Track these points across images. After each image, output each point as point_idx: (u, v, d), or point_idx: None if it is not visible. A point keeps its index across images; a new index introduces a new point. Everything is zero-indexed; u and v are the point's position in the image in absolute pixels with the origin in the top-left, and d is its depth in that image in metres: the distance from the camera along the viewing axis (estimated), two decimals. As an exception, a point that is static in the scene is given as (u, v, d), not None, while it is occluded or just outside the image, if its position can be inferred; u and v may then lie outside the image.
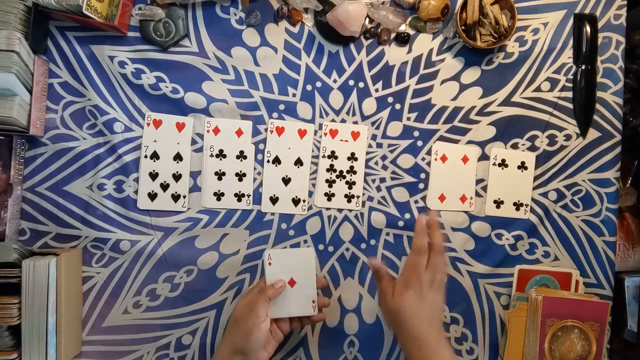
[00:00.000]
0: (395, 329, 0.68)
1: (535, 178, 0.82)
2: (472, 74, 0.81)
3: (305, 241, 0.80)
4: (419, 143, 0.81)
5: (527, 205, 0.81)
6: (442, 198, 0.81)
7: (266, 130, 0.79)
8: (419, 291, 0.65)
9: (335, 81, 0.80)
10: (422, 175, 0.81)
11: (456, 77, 0.81)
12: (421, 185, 0.81)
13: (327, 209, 0.80)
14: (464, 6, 0.77)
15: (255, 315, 0.64)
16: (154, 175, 0.77)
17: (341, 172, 0.80)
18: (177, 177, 0.78)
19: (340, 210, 0.80)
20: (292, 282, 0.69)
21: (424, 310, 0.64)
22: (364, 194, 0.80)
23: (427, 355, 0.62)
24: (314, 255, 0.72)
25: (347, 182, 0.80)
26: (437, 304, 0.65)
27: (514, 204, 0.82)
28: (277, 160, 0.79)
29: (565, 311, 0.76)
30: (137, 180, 0.77)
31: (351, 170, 0.80)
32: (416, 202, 0.81)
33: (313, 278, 0.70)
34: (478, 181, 0.82)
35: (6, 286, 0.66)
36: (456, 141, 0.81)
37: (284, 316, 0.69)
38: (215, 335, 0.78)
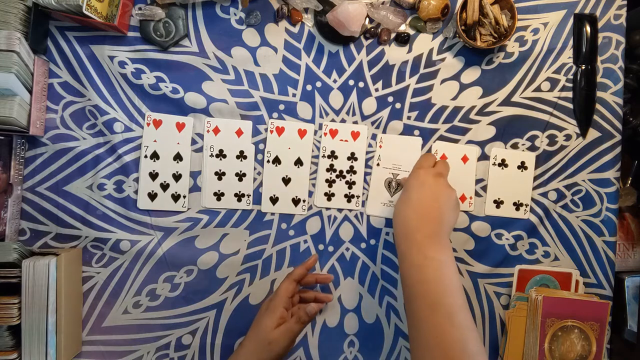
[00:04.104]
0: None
1: (535, 178, 0.82)
2: (472, 74, 0.81)
3: (305, 241, 0.80)
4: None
5: (527, 205, 0.81)
6: (442, 198, 0.81)
7: (266, 130, 0.79)
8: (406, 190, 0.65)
9: (335, 81, 0.80)
10: (422, 175, 0.81)
11: (456, 77, 0.81)
12: (421, 185, 0.81)
13: (327, 208, 0.80)
14: (464, 6, 0.77)
15: (291, 343, 0.69)
16: (154, 175, 0.77)
17: (341, 172, 0.80)
18: (177, 177, 0.78)
19: (340, 210, 0.80)
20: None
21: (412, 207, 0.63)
22: (363, 194, 0.80)
23: (410, 252, 0.61)
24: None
25: (347, 182, 0.80)
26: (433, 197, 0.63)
27: (514, 204, 0.82)
28: (277, 160, 0.79)
29: (565, 311, 0.76)
30: (137, 180, 0.77)
31: (351, 170, 0.80)
32: (416, 202, 0.81)
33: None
34: (478, 181, 0.82)
35: (6, 286, 0.66)
36: (456, 141, 0.81)
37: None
38: (215, 335, 0.78)
